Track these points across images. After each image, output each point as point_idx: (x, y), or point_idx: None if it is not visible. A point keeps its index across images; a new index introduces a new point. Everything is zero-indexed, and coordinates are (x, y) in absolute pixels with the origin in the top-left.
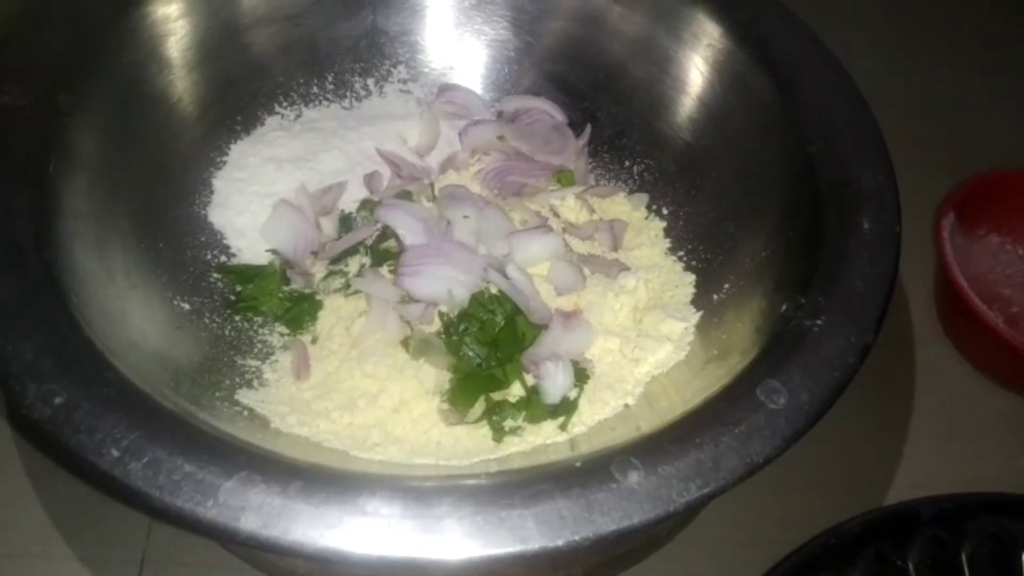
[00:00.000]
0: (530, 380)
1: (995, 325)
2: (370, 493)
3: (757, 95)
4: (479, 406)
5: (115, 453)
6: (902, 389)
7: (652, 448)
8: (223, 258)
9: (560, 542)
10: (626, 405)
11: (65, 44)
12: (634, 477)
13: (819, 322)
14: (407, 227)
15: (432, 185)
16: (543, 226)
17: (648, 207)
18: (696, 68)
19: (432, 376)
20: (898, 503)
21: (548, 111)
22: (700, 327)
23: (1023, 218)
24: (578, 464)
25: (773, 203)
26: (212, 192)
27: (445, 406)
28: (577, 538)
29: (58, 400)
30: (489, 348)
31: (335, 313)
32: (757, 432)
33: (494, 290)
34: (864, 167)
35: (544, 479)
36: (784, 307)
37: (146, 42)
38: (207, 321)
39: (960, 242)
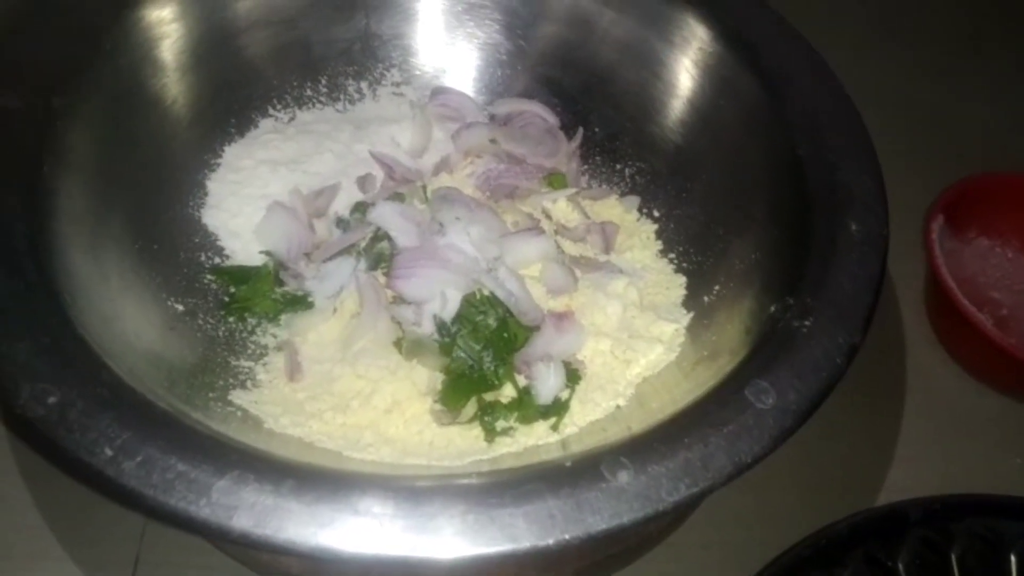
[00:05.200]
0: (522, 381)
1: (985, 328)
2: (362, 492)
3: (746, 98)
4: (471, 407)
5: (108, 452)
6: (892, 391)
7: (642, 448)
8: (217, 260)
9: (550, 541)
10: (617, 406)
11: (60, 47)
12: (624, 477)
13: (807, 323)
14: (400, 229)
15: (424, 187)
16: (535, 228)
17: (639, 209)
18: (686, 71)
19: (425, 377)
20: (888, 504)
21: (540, 114)
22: (690, 328)
23: (1012, 221)
24: (568, 464)
25: (762, 205)
26: (206, 194)
27: (438, 407)
28: (567, 537)
29: (52, 399)
30: (481, 349)
31: (327, 314)
32: (746, 432)
33: (486, 292)
34: (852, 169)
35: (534, 479)
36: (773, 308)
37: (140, 45)
38: (201, 322)
39: (950, 245)
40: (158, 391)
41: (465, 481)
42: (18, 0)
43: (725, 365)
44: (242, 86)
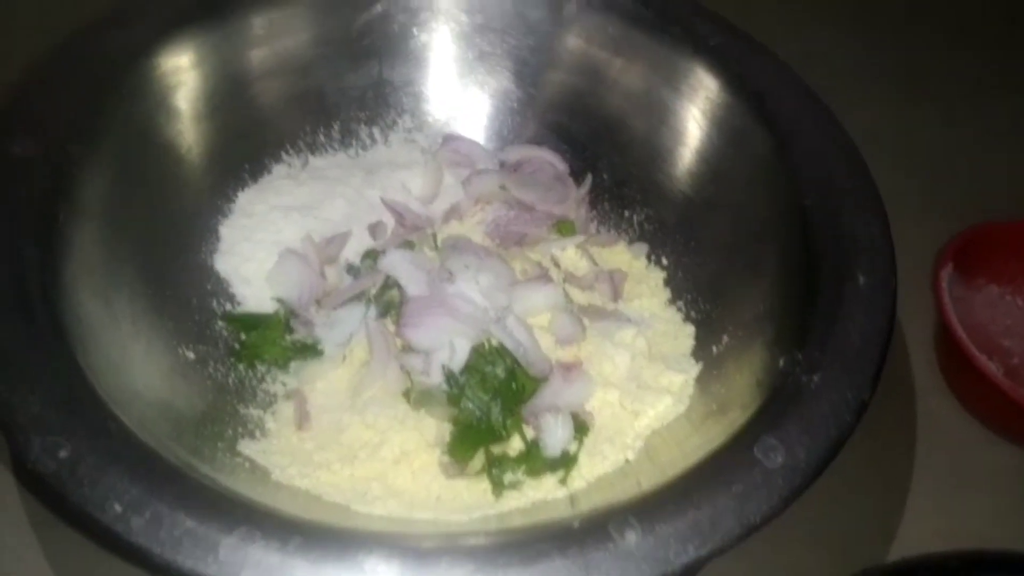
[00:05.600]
0: (530, 433)
1: (995, 377)
2: (368, 551)
3: (754, 148)
4: (479, 459)
5: (118, 508)
6: (903, 441)
7: (650, 508)
8: (228, 306)
9: None
10: (626, 460)
11: (78, 95)
12: (632, 537)
13: (816, 378)
14: (410, 278)
15: (435, 235)
16: (544, 276)
17: (648, 257)
18: (694, 121)
19: (433, 428)
20: (899, 560)
21: (550, 161)
22: (700, 380)
23: (1022, 268)
24: (576, 524)
25: (770, 256)
26: (219, 240)
27: (445, 459)
28: None
29: (63, 453)
30: (490, 400)
31: (337, 362)
32: (754, 491)
33: (495, 342)
34: (859, 221)
35: (542, 539)
36: (782, 362)
37: (156, 92)
38: (211, 370)
39: (959, 293)
40: (167, 442)
41: (472, 541)
42: (39, 49)
43: (735, 420)
44: (256, 132)
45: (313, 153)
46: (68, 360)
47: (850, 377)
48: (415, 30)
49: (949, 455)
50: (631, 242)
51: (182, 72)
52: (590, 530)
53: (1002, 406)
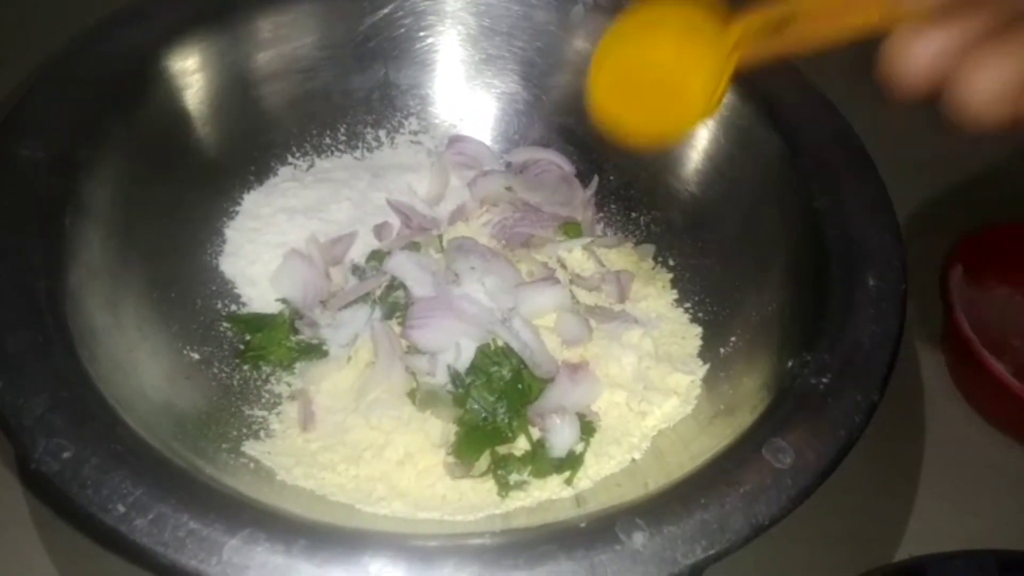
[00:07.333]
0: (536, 434)
1: (1005, 378)
2: (374, 553)
3: (762, 150)
4: (484, 460)
5: (121, 509)
6: (912, 442)
7: (657, 508)
8: (233, 307)
9: None
10: (633, 460)
11: (84, 97)
12: (639, 538)
13: (825, 380)
14: (415, 279)
15: (440, 237)
16: (550, 278)
17: (654, 258)
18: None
19: (438, 428)
20: (907, 559)
21: (556, 162)
22: (707, 380)
23: None
24: (583, 524)
25: (779, 257)
26: (224, 241)
27: (451, 459)
28: None
29: (66, 454)
30: (495, 401)
31: (342, 363)
32: (763, 492)
33: (501, 343)
34: (869, 224)
35: (549, 540)
36: (790, 363)
37: (163, 95)
38: (216, 371)
39: (969, 293)
40: (172, 444)
41: (478, 541)
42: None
43: (743, 421)
44: (262, 134)
45: (319, 155)
46: (74, 364)
47: (859, 379)
48: (421, 33)
49: (957, 456)
50: (638, 243)
51: (189, 74)
52: (597, 531)
53: (1011, 407)
